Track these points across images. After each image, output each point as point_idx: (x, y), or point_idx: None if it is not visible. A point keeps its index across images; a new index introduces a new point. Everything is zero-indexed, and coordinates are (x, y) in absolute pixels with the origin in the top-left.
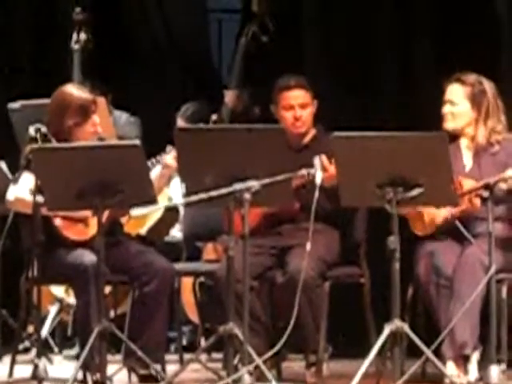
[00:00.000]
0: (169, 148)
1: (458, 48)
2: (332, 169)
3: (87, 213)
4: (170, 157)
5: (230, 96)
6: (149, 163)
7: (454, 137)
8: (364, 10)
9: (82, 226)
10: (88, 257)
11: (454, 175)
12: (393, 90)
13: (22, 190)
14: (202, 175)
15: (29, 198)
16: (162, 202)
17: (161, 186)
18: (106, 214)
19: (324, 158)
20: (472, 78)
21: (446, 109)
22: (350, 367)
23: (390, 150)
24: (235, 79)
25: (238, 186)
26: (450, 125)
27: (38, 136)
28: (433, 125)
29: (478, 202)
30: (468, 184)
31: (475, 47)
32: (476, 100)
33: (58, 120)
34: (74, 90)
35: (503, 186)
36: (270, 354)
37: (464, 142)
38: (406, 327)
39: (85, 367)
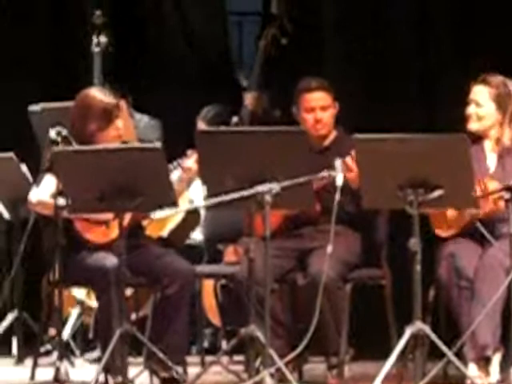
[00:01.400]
0: (190, 152)
1: (481, 50)
2: (356, 170)
3: (109, 215)
4: (191, 161)
5: (249, 98)
6: (170, 166)
7: (478, 138)
8: (385, 11)
9: (103, 229)
10: (109, 259)
11: (479, 177)
12: (414, 93)
13: (44, 192)
14: (222, 177)
15: (51, 200)
16: (183, 204)
17: (181, 190)
18: (127, 217)
19: (349, 158)
20: (497, 79)
21: (471, 109)
22: (372, 369)
23: (410, 152)
24: (255, 81)
25: (258, 189)
26: (474, 126)
27: (59, 139)
28: (454, 127)
29: (501, 203)
30: (493, 186)
31: (500, 49)
32: (501, 102)
33: (81, 123)
34: (98, 94)
35: None
36: (291, 356)
37: (488, 144)
38: (427, 329)
39: (106, 370)
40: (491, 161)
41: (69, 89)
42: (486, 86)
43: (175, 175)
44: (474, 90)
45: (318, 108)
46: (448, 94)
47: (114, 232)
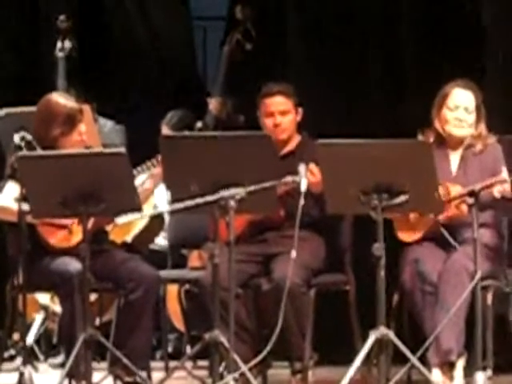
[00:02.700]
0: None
1: (445, 55)
2: (319, 176)
3: (70, 220)
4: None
5: (213, 104)
6: (134, 171)
7: (442, 141)
8: (350, 15)
9: (65, 234)
10: (73, 264)
11: (441, 181)
12: (380, 97)
13: (7, 198)
14: (187, 182)
15: (13, 206)
16: (147, 209)
17: (147, 195)
18: (90, 222)
19: (313, 164)
20: (474, 85)
21: (461, 115)
22: (336, 374)
23: (374, 157)
24: (219, 87)
25: (223, 194)
26: (462, 132)
27: (23, 144)
28: (419, 129)
29: (465, 208)
30: (455, 190)
31: (461, 55)
32: (480, 108)
33: (45, 129)
34: (61, 99)
35: (496, 193)
36: (255, 361)
37: (454, 148)
38: (391, 334)
39: (70, 375)
40: (454, 165)
41: (33, 94)
42: (472, 92)
43: (140, 180)
44: (461, 95)
45: (277, 112)
46: (414, 96)
47: (77, 237)
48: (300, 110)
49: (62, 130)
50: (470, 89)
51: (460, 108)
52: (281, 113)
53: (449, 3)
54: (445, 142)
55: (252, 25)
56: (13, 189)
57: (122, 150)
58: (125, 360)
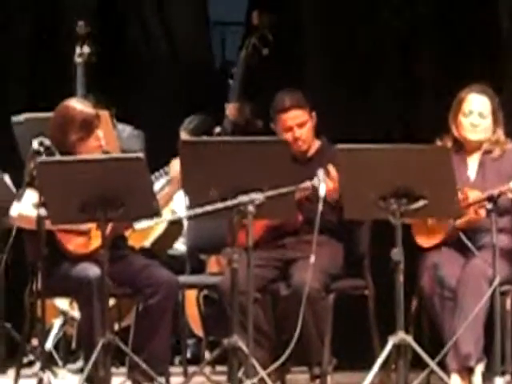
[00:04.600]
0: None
1: (461, 59)
2: (337, 178)
3: (89, 225)
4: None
5: (231, 109)
6: (153, 176)
7: (460, 147)
8: (365, 22)
9: (84, 239)
10: (92, 270)
11: (459, 186)
12: (396, 102)
13: (26, 206)
14: (205, 188)
15: (32, 213)
16: (166, 214)
17: (167, 200)
18: (109, 227)
19: (331, 168)
20: (490, 90)
21: (476, 120)
22: (355, 379)
23: (393, 162)
24: (236, 92)
25: (241, 199)
26: (477, 137)
27: (42, 149)
28: (436, 136)
29: (483, 212)
30: (473, 195)
31: (477, 58)
32: (496, 113)
33: (61, 135)
34: (77, 105)
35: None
36: (274, 366)
37: (472, 153)
38: (410, 339)
39: (89, 380)
40: (472, 170)
41: (52, 99)
42: (488, 97)
43: (159, 185)
44: (476, 100)
45: (295, 126)
46: (431, 101)
47: (95, 243)
48: (313, 114)
49: (78, 136)
50: (485, 93)
51: (474, 113)
52: (298, 125)
53: (467, 7)
54: (462, 147)
55: (269, 30)
56: (31, 197)
57: (141, 155)
58: (144, 365)
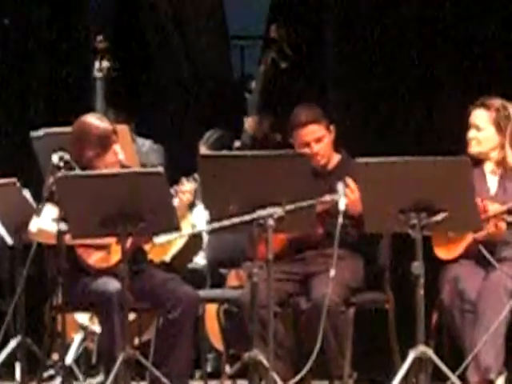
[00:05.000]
0: (183, 179)
1: (483, 72)
2: (357, 193)
3: (109, 240)
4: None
5: (250, 122)
6: (172, 190)
7: (479, 161)
8: (386, 33)
9: (104, 254)
10: (112, 284)
11: (479, 199)
12: (416, 115)
13: (45, 221)
14: (225, 202)
15: (51, 229)
16: (186, 229)
17: (183, 214)
18: (129, 241)
19: (351, 181)
20: (497, 102)
21: (471, 134)
22: None
23: (413, 175)
24: (255, 106)
25: (261, 213)
26: (474, 149)
27: (62, 164)
28: (457, 149)
29: (503, 226)
30: (493, 208)
31: (500, 71)
32: (501, 125)
33: (79, 150)
34: (94, 120)
35: None
36: (294, 380)
37: (489, 166)
38: (430, 352)
39: None
40: (491, 183)
41: (71, 114)
42: (485, 109)
43: (177, 200)
44: (473, 114)
45: (312, 141)
46: (452, 116)
47: (115, 257)
48: (332, 127)
49: (95, 152)
50: (484, 106)
51: (471, 127)
52: (316, 140)
53: (485, 16)
54: (481, 161)
55: (287, 44)
56: (51, 212)
57: (160, 169)
58: (164, 379)
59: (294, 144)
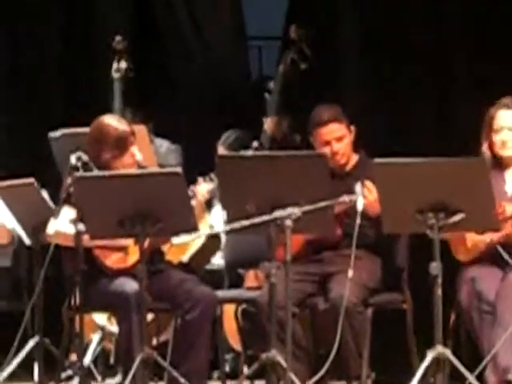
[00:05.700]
0: (200, 179)
1: (497, 73)
2: (375, 194)
3: (127, 241)
4: (203, 186)
5: (269, 123)
6: (189, 191)
7: (500, 163)
8: (403, 35)
9: (122, 255)
10: (130, 285)
11: (497, 200)
12: (432, 116)
13: (62, 223)
14: (243, 202)
15: (69, 230)
16: (204, 229)
17: (200, 214)
18: (147, 242)
19: (369, 182)
20: None
21: (505, 136)
22: None
23: (430, 176)
24: (274, 106)
25: (279, 213)
26: (508, 152)
27: (80, 164)
28: (472, 149)
29: None
30: (511, 209)
31: None
32: None
33: (97, 151)
34: (112, 122)
35: None
36: (312, 380)
37: (508, 169)
38: (448, 353)
39: None
40: (510, 185)
41: (89, 114)
42: None
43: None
44: (504, 116)
45: (333, 140)
46: (467, 117)
47: (133, 258)
48: (352, 128)
49: (113, 154)
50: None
51: (504, 129)
52: (337, 139)
53: (501, 17)
54: (498, 162)
55: (307, 44)
56: (68, 213)
57: (178, 169)
58: (182, 380)
59: (314, 143)
